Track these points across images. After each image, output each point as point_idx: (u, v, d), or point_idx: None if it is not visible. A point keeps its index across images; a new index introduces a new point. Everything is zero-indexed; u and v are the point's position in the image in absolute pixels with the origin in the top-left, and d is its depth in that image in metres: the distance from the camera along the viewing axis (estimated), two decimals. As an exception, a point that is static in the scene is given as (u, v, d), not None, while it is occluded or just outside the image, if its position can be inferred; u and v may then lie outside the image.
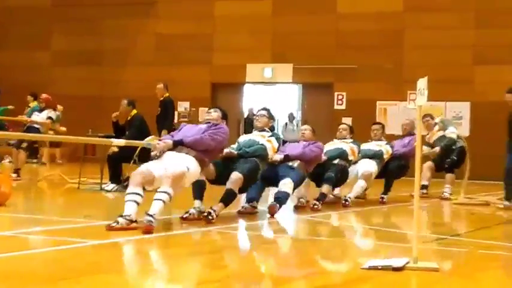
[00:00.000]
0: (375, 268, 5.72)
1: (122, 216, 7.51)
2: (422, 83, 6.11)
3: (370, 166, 11.83)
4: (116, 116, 12.96)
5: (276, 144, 9.48)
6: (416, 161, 6.23)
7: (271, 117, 9.89)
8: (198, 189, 8.83)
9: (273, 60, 23.18)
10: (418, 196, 6.22)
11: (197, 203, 8.76)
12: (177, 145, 8.29)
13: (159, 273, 5.74)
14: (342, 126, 12.18)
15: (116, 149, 12.44)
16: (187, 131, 8.69)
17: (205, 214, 8.44)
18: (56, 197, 12.47)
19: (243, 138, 9.78)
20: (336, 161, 11.05)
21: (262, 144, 9.36)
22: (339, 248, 7.54)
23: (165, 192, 7.72)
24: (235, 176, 8.78)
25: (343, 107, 22.25)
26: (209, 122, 8.86)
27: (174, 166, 7.94)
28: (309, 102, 23.18)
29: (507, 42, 20.60)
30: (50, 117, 15.52)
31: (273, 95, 28.03)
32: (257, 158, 9.21)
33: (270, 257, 6.84)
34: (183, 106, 23.86)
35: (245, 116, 24.48)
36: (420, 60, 20.95)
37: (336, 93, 22.43)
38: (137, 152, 12.54)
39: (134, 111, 12.94)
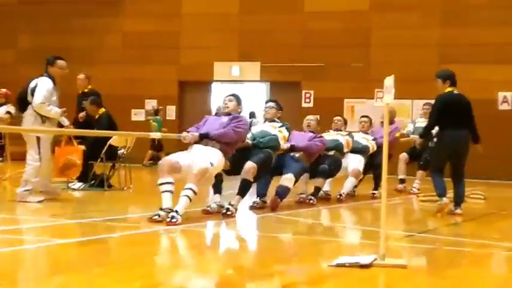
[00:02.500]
0: (343, 265, 5.74)
1: (162, 209, 8.13)
2: (389, 81, 6.14)
3: (359, 163, 12.23)
4: (82, 117, 12.96)
5: (286, 134, 10.23)
6: (384, 158, 6.26)
7: (279, 108, 10.59)
8: (217, 184, 9.41)
9: (240, 59, 23.17)
10: (385, 193, 6.25)
11: (217, 197, 9.34)
12: (203, 138, 8.82)
13: (123, 272, 5.71)
14: (336, 117, 12.67)
15: (83, 147, 12.45)
16: (211, 124, 9.15)
17: (224, 211, 8.97)
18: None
19: (256, 129, 10.35)
20: (331, 153, 11.54)
21: (274, 135, 10.07)
22: (306, 246, 7.55)
23: (189, 188, 8.23)
24: (249, 166, 9.32)
25: (311, 105, 22.30)
26: (229, 114, 9.29)
27: (199, 162, 8.42)
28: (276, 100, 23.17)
29: (472, 40, 20.79)
30: (8, 112, 15.36)
31: (240, 93, 27.99)
32: (270, 148, 9.87)
33: (237, 255, 6.84)
34: (150, 104, 23.77)
35: (213, 114, 24.43)
36: (387, 58, 21.06)
37: (303, 92, 22.47)
38: (104, 150, 12.58)
39: (102, 110, 12.94)
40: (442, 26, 21.30)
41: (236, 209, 9.15)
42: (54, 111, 10.21)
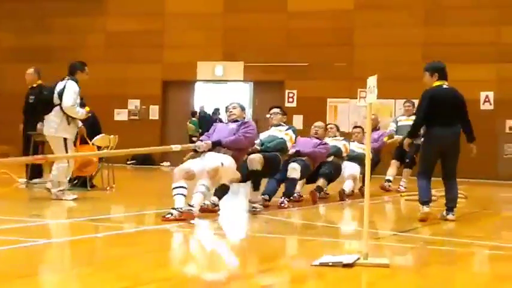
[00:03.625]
0: (326, 265, 5.75)
1: (174, 208, 8.38)
2: (372, 81, 6.15)
3: (355, 170, 12.38)
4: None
5: (293, 136, 10.57)
6: (367, 157, 6.27)
7: (284, 113, 11.15)
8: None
9: (224, 58, 23.16)
10: (368, 194, 6.26)
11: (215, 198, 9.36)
12: (216, 146, 9.19)
13: (107, 272, 5.69)
14: (329, 125, 12.60)
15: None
16: (221, 131, 9.53)
17: (252, 210, 9.57)
18: (4, 196, 12.28)
19: (263, 135, 10.69)
20: (330, 158, 11.66)
21: (281, 138, 10.42)
22: (290, 246, 7.56)
23: (203, 184, 8.67)
24: (254, 155, 9.84)
25: (294, 104, 22.32)
26: (237, 120, 9.63)
27: (210, 163, 8.86)
28: (260, 99, 23.20)
29: (456, 40, 20.87)
30: None
31: (224, 93, 28.01)
32: (278, 151, 10.26)
33: (221, 255, 6.84)
34: (133, 104, 23.73)
35: (197, 114, 24.41)
36: (370, 58, 21.11)
37: (286, 91, 22.49)
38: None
39: (87, 109, 12.86)
40: (425, 25, 21.37)
41: (261, 205, 9.76)
42: (80, 112, 10.82)
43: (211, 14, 23.27)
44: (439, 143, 9.51)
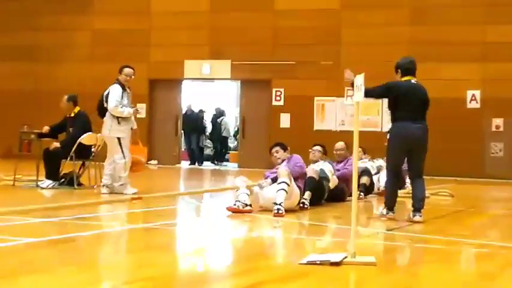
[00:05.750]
0: (313, 263, 5.75)
1: (238, 201, 9.48)
2: (359, 80, 6.16)
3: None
4: (46, 130, 12.88)
5: (331, 168, 11.44)
6: (354, 157, 6.28)
7: (324, 152, 11.92)
8: None
9: (211, 57, 23.14)
10: (356, 191, 6.27)
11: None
12: (275, 181, 9.83)
13: (93, 271, 5.68)
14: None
15: (58, 145, 12.43)
16: (274, 170, 10.27)
17: (301, 205, 10.12)
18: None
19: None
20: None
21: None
22: (277, 244, 7.56)
23: (284, 182, 9.52)
24: (311, 168, 10.83)
25: (281, 103, 22.33)
26: (283, 159, 10.44)
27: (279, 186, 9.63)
28: (247, 98, 23.20)
29: (443, 39, 20.93)
30: None
31: (211, 92, 28.03)
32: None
33: (208, 254, 6.83)
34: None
35: (183, 112, 24.39)
36: (357, 57, 21.14)
37: (274, 90, 22.48)
38: (74, 148, 12.53)
39: (78, 108, 12.90)
40: (412, 24, 21.43)
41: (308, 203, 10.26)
42: (126, 111, 11.81)
43: (198, 12, 23.25)
44: (405, 138, 9.15)
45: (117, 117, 11.75)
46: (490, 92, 20.59)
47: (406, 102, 9.23)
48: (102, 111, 11.92)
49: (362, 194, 12.44)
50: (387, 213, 9.32)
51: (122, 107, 11.75)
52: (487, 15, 20.87)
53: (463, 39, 20.89)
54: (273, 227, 8.80)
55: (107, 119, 11.85)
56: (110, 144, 11.89)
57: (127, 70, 12.12)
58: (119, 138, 11.73)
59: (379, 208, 9.74)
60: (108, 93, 11.83)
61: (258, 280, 5.38)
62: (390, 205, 9.32)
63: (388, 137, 9.57)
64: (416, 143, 9.20)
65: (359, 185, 12.32)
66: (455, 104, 20.43)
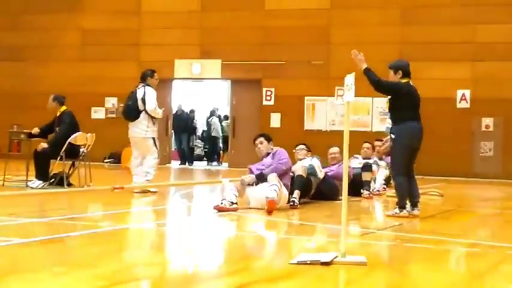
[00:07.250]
0: (304, 263, 5.75)
1: (225, 199, 9.66)
2: (349, 79, 6.16)
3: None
4: (35, 132, 12.84)
5: (318, 163, 11.58)
6: (345, 158, 6.28)
7: (309, 149, 12.19)
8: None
9: (201, 56, 23.13)
10: (346, 190, 6.27)
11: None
12: (260, 178, 10.15)
13: (83, 271, 5.66)
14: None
15: (45, 145, 12.39)
16: (259, 166, 10.41)
17: (291, 203, 10.30)
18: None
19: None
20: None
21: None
22: (267, 244, 7.55)
23: (274, 185, 9.81)
24: (299, 165, 11.12)
25: (272, 102, 22.35)
26: (268, 153, 10.55)
27: (269, 193, 9.78)
28: (237, 98, 23.20)
29: (432, 38, 20.99)
30: None
31: (201, 91, 28.01)
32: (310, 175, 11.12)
33: (199, 253, 6.82)
34: (110, 102, 23.65)
35: (174, 112, 24.36)
36: (347, 56, 21.02)
37: (264, 89, 22.50)
38: (64, 148, 12.50)
39: (64, 108, 12.87)
40: (402, 24, 21.47)
41: (299, 202, 10.47)
42: (161, 113, 12.48)
43: (188, 11, 23.23)
44: (414, 137, 9.59)
45: (153, 118, 12.25)
46: (480, 92, 20.65)
47: (411, 103, 9.62)
48: (133, 113, 12.26)
49: (367, 191, 12.77)
50: (401, 212, 9.60)
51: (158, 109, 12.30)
52: (477, 14, 20.93)
53: (453, 38, 20.95)
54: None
55: (142, 120, 12.25)
56: (144, 145, 12.32)
57: (156, 74, 12.63)
58: (153, 138, 12.31)
59: (394, 210, 9.74)
60: (143, 96, 12.20)
61: (248, 280, 5.37)
62: (402, 203, 9.61)
63: (393, 137, 9.66)
64: (419, 143, 9.67)
65: (362, 183, 12.83)
66: (445, 104, 20.49)
